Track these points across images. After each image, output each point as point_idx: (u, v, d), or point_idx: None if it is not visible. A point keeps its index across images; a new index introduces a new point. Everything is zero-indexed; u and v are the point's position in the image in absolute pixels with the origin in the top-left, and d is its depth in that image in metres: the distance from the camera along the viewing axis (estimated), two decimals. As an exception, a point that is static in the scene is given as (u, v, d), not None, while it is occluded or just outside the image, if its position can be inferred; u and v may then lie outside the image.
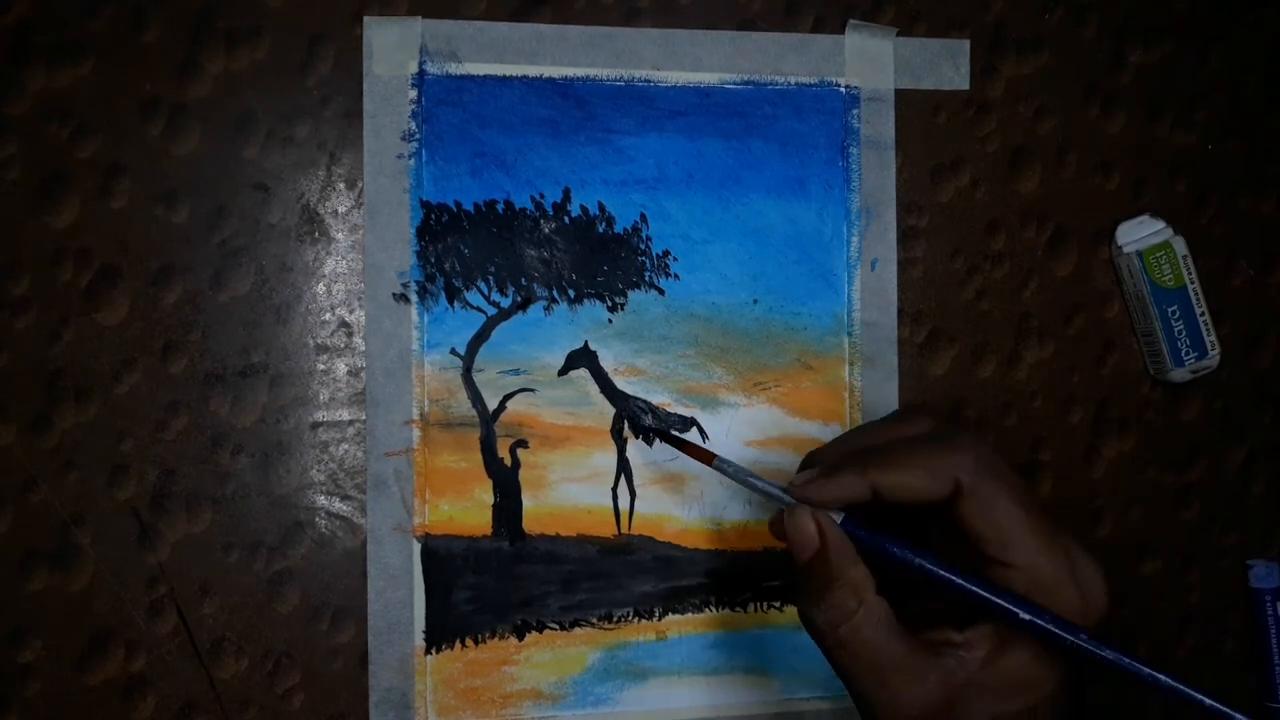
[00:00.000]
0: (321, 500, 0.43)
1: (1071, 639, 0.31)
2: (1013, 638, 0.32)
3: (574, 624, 0.45)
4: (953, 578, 0.32)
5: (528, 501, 0.44)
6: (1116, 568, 0.49)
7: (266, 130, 0.43)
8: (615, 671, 0.45)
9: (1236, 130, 0.50)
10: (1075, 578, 0.32)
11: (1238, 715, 0.30)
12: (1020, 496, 0.33)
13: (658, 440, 0.45)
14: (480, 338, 0.44)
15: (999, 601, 0.32)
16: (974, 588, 0.32)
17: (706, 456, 0.38)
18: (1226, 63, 0.50)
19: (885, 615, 0.33)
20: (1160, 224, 0.48)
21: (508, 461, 0.44)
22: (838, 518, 0.34)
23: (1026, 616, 0.31)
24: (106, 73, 0.42)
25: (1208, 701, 0.30)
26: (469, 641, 0.44)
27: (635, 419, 0.45)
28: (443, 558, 0.44)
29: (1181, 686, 0.31)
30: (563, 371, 0.45)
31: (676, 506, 0.45)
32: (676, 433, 0.45)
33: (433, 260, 0.44)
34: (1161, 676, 0.31)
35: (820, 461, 0.36)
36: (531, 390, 0.44)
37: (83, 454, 0.42)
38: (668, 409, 0.45)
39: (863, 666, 0.32)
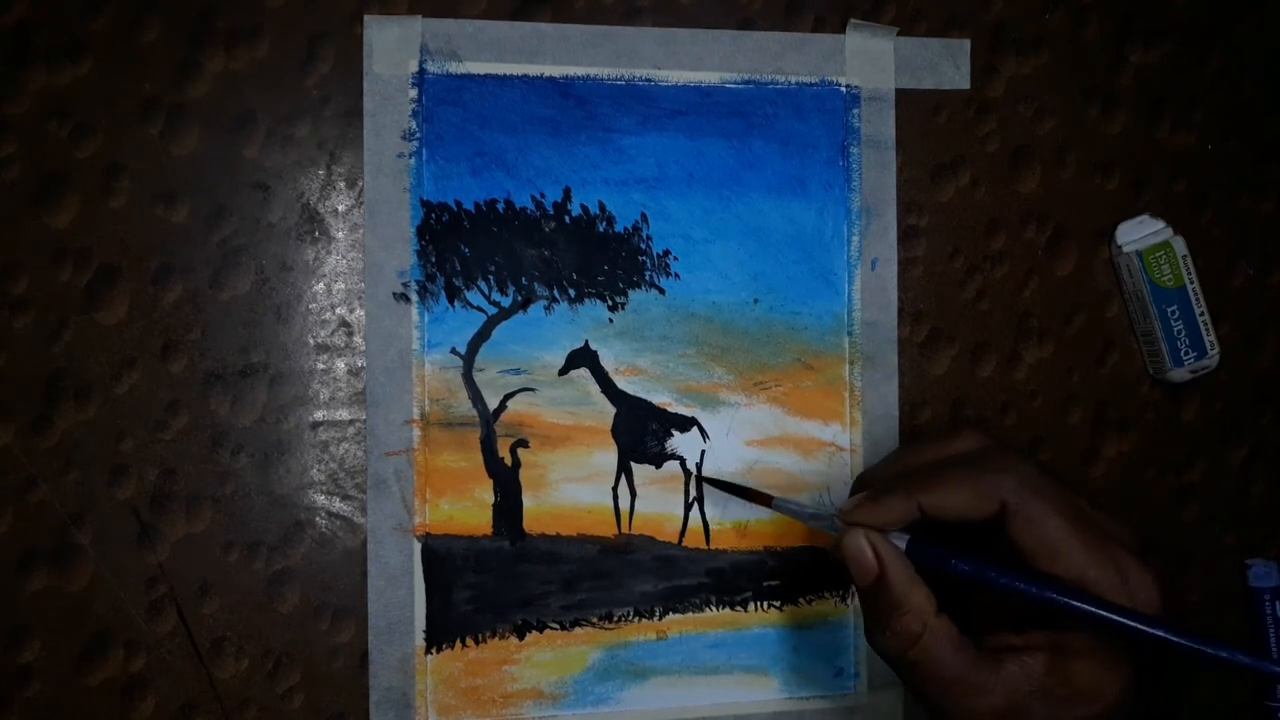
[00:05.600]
0: (321, 500, 0.43)
1: (1122, 619, 0.32)
2: (1072, 646, 0.33)
3: (574, 623, 0.45)
4: (1020, 585, 0.33)
5: (528, 501, 0.44)
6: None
7: (266, 130, 0.43)
8: (616, 671, 0.45)
9: (1236, 130, 0.50)
10: (1125, 584, 0.33)
11: None
12: (1065, 509, 0.33)
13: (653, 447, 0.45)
14: (481, 337, 0.44)
15: (1063, 599, 0.32)
16: (1040, 590, 0.33)
17: (765, 500, 0.40)
18: (1226, 63, 0.50)
19: (949, 633, 0.34)
20: (1160, 224, 0.48)
21: (508, 461, 0.44)
22: (902, 541, 0.35)
23: (1087, 607, 0.32)
24: (106, 72, 0.42)
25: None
26: (469, 641, 0.44)
27: (642, 444, 0.45)
28: (443, 557, 0.44)
29: (1270, 666, 0.31)
30: (563, 371, 0.45)
31: (676, 506, 0.45)
32: (722, 478, 0.45)
33: (433, 259, 0.44)
34: (1242, 656, 0.31)
35: (868, 485, 0.38)
36: (532, 390, 0.44)
37: (82, 454, 0.41)
38: (668, 408, 0.45)
39: (931, 684, 0.34)
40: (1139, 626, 0.32)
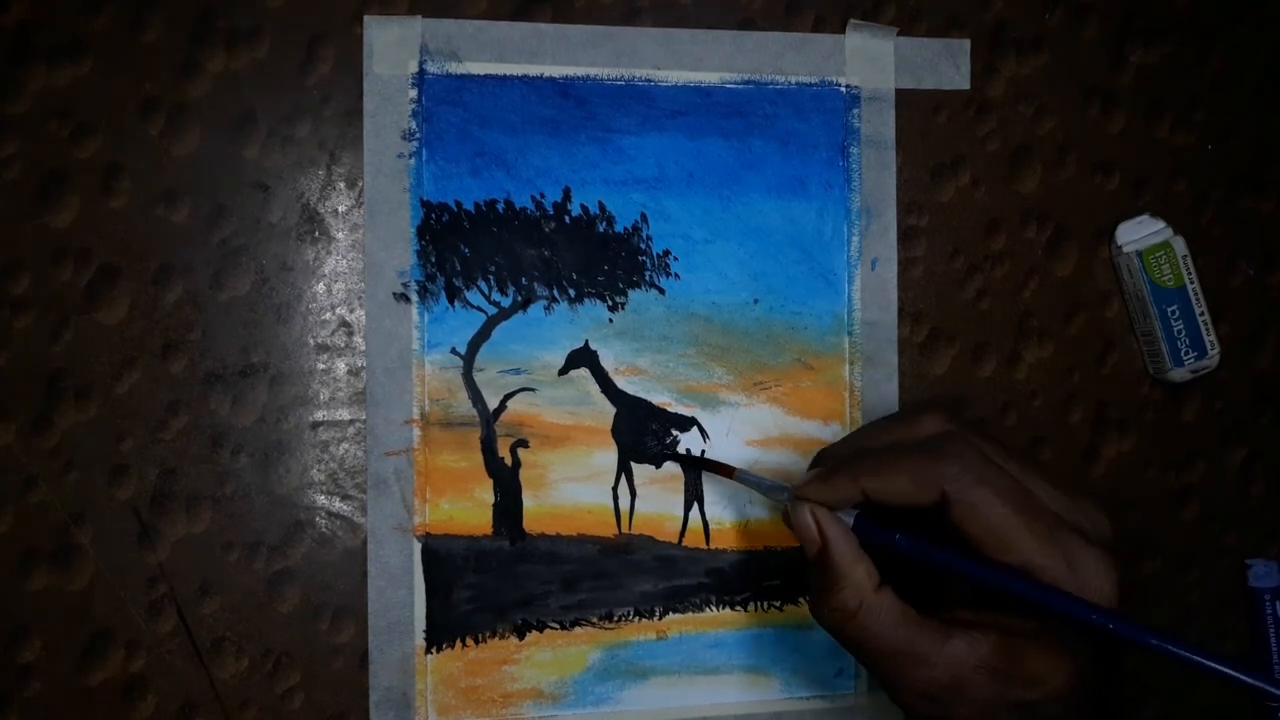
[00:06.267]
0: (322, 500, 0.43)
1: (1056, 606, 0.32)
2: (1022, 630, 0.33)
3: (574, 623, 0.45)
4: (961, 566, 0.33)
5: (528, 501, 0.44)
6: (1116, 567, 0.49)
7: (266, 130, 0.43)
8: (616, 671, 0.45)
9: (1236, 130, 0.50)
10: (1074, 574, 0.33)
11: (1263, 685, 0.31)
12: (1012, 498, 0.33)
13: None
14: (481, 337, 0.44)
15: (1002, 581, 0.33)
16: (978, 571, 0.33)
17: (728, 472, 0.41)
18: (1226, 63, 0.50)
19: (889, 608, 0.34)
20: (1160, 224, 0.48)
21: (508, 461, 0.44)
22: (850, 516, 0.36)
23: (1022, 590, 0.32)
24: (106, 72, 0.42)
25: (1226, 670, 0.31)
26: (469, 641, 0.44)
27: (641, 444, 0.45)
28: (443, 557, 0.44)
29: (1199, 657, 0.31)
30: (563, 371, 0.45)
31: (676, 506, 0.45)
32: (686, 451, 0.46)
33: (433, 259, 0.44)
34: (1173, 648, 0.31)
35: (824, 461, 0.38)
36: (532, 390, 0.44)
37: (83, 454, 0.41)
38: (668, 408, 0.45)
39: (871, 655, 0.35)
40: (1068, 611, 0.32)
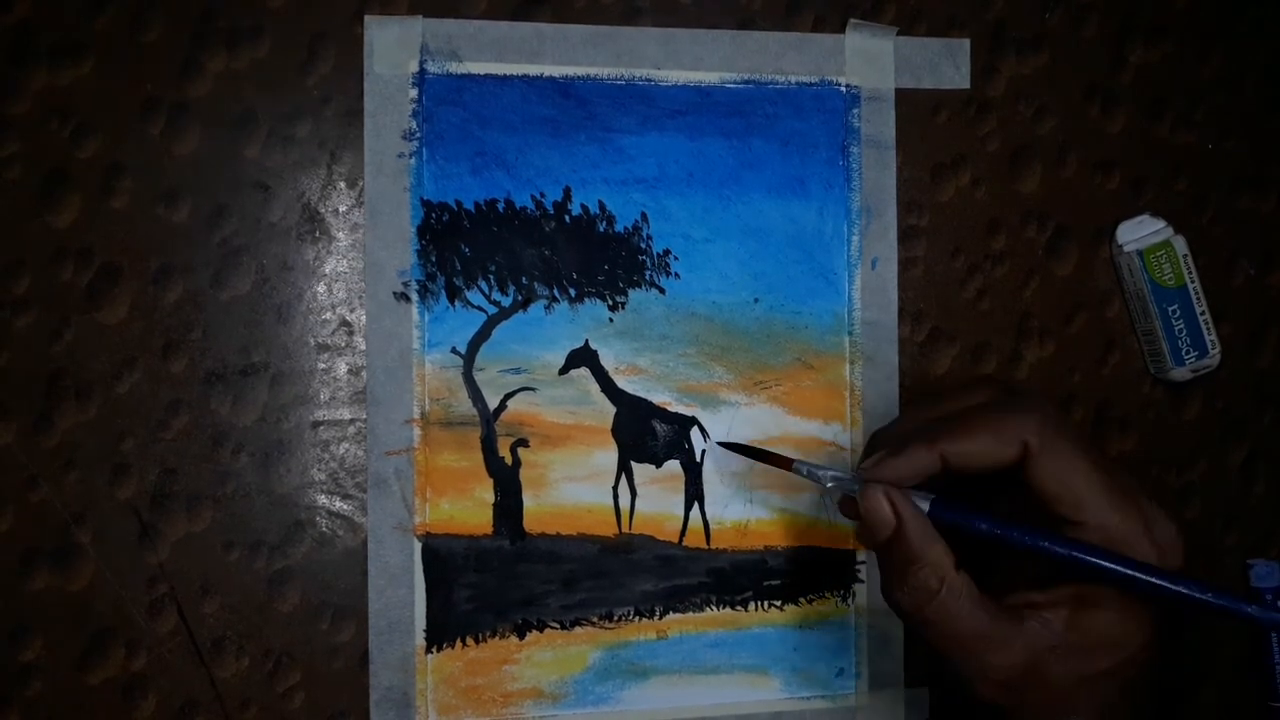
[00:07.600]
0: (322, 499, 0.43)
1: (1155, 580, 0.32)
2: (1095, 598, 0.33)
3: (575, 623, 0.45)
4: (1045, 544, 0.33)
5: (528, 500, 0.44)
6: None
7: (267, 129, 0.43)
8: (616, 670, 0.45)
9: (1236, 130, 0.50)
10: (1150, 533, 0.32)
11: None
12: (1090, 454, 0.33)
13: (659, 444, 0.45)
14: (481, 336, 0.44)
15: (1090, 559, 0.32)
16: (1065, 550, 0.32)
17: (785, 463, 0.39)
18: (1226, 63, 0.50)
19: (967, 589, 0.33)
20: (1161, 223, 0.48)
21: (508, 460, 0.44)
22: (925, 503, 0.35)
23: (1114, 567, 0.32)
24: (107, 72, 0.42)
25: None
26: (470, 640, 0.44)
27: (642, 444, 0.45)
28: (443, 557, 0.44)
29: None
30: (563, 370, 0.45)
31: (677, 506, 0.45)
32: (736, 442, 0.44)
33: (433, 259, 0.44)
34: (1252, 609, 0.31)
35: (885, 441, 0.37)
36: (532, 389, 0.44)
37: (83, 453, 0.42)
38: (668, 408, 0.45)
39: (949, 641, 0.33)
40: (1167, 585, 0.31)
